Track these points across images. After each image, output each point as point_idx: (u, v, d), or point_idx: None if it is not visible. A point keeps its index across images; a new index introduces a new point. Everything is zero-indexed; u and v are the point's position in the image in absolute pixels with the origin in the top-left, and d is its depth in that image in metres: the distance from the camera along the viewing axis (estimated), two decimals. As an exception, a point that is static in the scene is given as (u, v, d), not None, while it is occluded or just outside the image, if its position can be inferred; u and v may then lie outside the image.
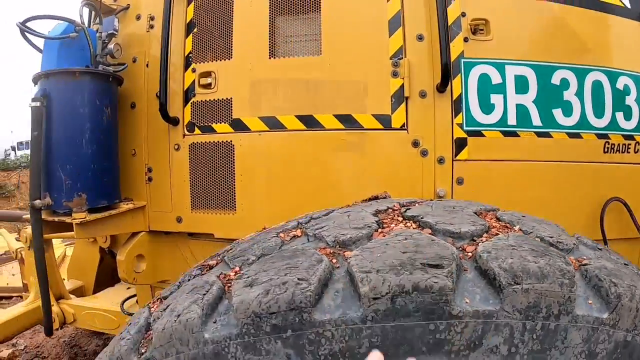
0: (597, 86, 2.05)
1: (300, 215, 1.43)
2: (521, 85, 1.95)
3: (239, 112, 2.03)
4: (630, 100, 2.12)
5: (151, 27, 2.29)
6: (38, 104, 2.03)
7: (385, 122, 1.90)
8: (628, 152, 2.12)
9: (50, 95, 2.07)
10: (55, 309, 2.93)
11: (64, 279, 3.05)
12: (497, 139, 1.92)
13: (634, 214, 2.08)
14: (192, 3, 2.21)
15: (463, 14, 1.96)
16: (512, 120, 1.93)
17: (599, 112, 2.05)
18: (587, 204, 2.05)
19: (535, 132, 1.96)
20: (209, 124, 2.09)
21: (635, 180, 2.15)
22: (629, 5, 2.22)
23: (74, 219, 2.04)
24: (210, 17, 2.17)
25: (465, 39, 1.94)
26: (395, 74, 1.90)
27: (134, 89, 2.31)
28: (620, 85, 2.10)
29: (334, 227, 1.19)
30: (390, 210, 1.28)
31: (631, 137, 2.12)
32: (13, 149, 24.88)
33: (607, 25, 2.16)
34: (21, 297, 5.02)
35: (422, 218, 1.19)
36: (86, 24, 2.40)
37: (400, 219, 1.21)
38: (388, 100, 1.90)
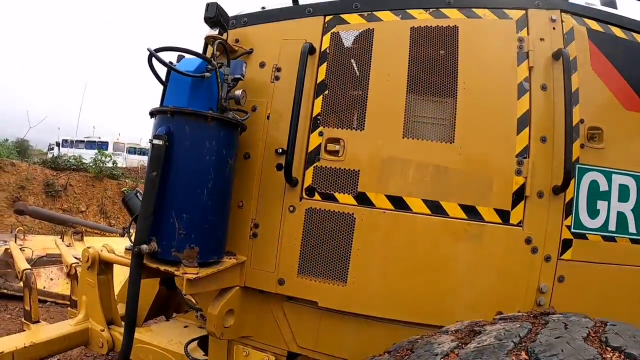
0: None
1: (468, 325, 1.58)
2: (623, 193, 2.21)
3: (365, 186, 2.16)
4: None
5: (276, 78, 2.33)
6: (161, 142, 2.00)
7: (504, 217, 2.11)
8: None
9: (175, 135, 2.03)
10: (105, 334, 2.95)
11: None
12: (598, 243, 2.19)
13: None
14: (325, 63, 2.27)
15: (582, 121, 2.19)
16: (612, 226, 2.20)
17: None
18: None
19: (630, 239, 2.24)
20: (332, 192, 2.19)
21: None
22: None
23: (185, 273, 2.04)
24: (344, 81, 2.25)
25: (582, 145, 2.17)
26: (518, 172, 2.10)
27: (250, 138, 2.36)
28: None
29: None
30: (592, 335, 1.41)
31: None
32: (58, 144, 25.31)
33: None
34: (56, 303, 4.97)
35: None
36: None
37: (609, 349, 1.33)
38: (510, 196, 2.11)
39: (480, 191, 2.11)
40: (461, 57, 2.18)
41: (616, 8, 2.98)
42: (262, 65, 2.36)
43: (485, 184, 2.12)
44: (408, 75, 2.17)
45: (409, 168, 2.13)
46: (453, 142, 2.12)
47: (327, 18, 2.32)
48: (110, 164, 15.04)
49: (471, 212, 2.11)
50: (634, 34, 2.44)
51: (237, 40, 2.43)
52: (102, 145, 23.35)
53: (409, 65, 2.18)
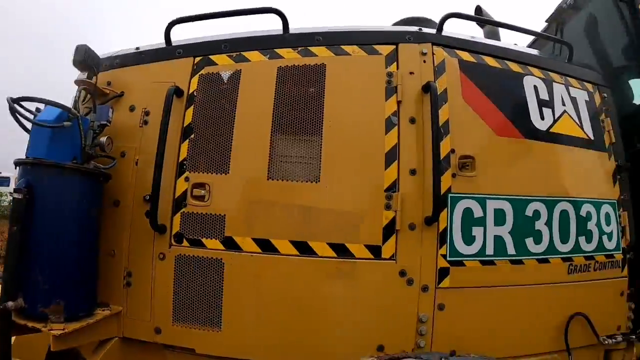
0: (564, 215, 2.51)
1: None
2: (499, 218, 2.33)
3: (232, 231, 2.24)
4: (591, 225, 2.61)
5: (145, 122, 2.43)
6: (20, 196, 2.06)
7: (376, 252, 2.21)
8: (588, 271, 2.60)
9: (35, 188, 2.09)
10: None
11: None
12: (476, 269, 2.30)
13: (593, 325, 2.56)
14: (192, 107, 2.36)
15: (452, 151, 2.32)
16: (489, 250, 2.32)
17: (564, 238, 2.51)
18: (554, 320, 2.51)
19: (509, 260, 2.35)
20: (199, 237, 2.27)
21: (595, 293, 2.65)
22: (592, 137, 2.68)
23: (52, 329, 2.08)
24: (209, 125, 2.35)
25: (454, 175, 2.30)
26: (388, 207, 2.21)
27: (119, 185, 2.44)
28: (583, 212, 2.58)
29: None
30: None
31: (591, 258, 2.61)
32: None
33: (575, 157, 2.64)
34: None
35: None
36: (79, 108, 2.44)
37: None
38: (380, 231, 2.21)
39: (349, 228, 2.21)
40: (327, 95, 2.31)
41: (499, 39, 3.15)
42: (132, 109, 2.46)
43: (353, 221, 2.22)
44: (273, 116, 2.28)
45: (275, 210, 2.22)
46: (319, 181, 2.23)
47: (197, 59, 2.44)
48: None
49: (341, 250, 2.21)
50: (508, 62, 2.60)
51: (109, 83, 2.53)
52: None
53: (274, 106, 2.29)
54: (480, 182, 2.35)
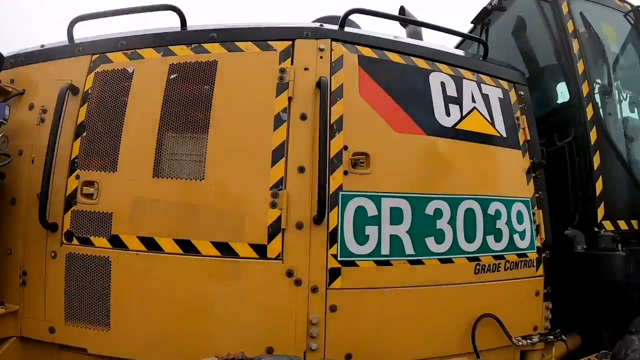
0: (470, 213, 2.45)
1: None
2: (396, 216, 2.29)
3: (118, 229, 2.23)
4: (500, 223, 2.55)
5: (42, 120, 2.44)
6: None
7: (261, 251, 2.17)
8: (498, 271, 2.54)
9: None
10: None
11: None
12: (370, 269, 2.25)
13: (504, 326, 2.49)
14: (86, 104, 2.37)
15: (345, 147, 2.29)
16: (385, 250, 2.27)
17: (470, 238, 2.45)
18: (461, 321, 2.44)
19: (408, 260, 2.30)
20: (88, 236, 2.27)
21: (506, 293, 2.59)
22: (504, 134, 2.64)
23: None
24: (101, 123, 2.36)
25: (345, 172, 2.26)
26: (273, 205, 2.18)
27: (15, 183, 2.44)
28: (491, 210, 2.52)
29: None
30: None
31: (501, 257, 2.55)
32: None
33: (484, 155, 2.60)
34: None
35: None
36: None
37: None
38: (265, 230, 2.18)
39: (233, 227, 2.18)
40: (217, 92, 2.30)
41: (421, 39, 3.14)
42: (30, 107, 2.47)
43: (237, 220, 2.19)
44: (162, 113, 2.28)
45: (159, 208, 2.21)
46: (203, 179, 2.21)
47: (94, 57, 2.45)
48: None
49: (225, 249, 2.17)
50: (414, 59, 2.58)
51: (12, 81, 2.55)
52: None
53: (163, 103, 2.29)
54: (375, 180, 2.30)
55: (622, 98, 3.31)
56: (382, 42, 2.53)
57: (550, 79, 3.34)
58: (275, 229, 2.18)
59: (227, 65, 2.33)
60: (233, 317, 2.17)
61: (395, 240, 2.29)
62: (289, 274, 2.18)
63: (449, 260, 2.40)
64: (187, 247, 2.17)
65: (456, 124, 2.53)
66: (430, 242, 2.35)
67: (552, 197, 2.95)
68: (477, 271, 2.47)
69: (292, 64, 2.36)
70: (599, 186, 2.95)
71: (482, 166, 2.57)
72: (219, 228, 2.18)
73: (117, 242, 2.22)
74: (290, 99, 2.29)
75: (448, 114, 2.53)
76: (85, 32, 2.58)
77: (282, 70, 2.34)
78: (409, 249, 2.31)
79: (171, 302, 2.19)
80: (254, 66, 2.35)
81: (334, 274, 2.21)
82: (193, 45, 2.38)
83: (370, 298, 2.27)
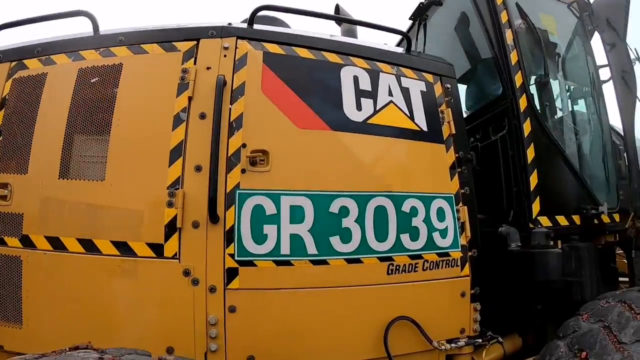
0: (381, 211, 2.39)
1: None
2: (296, 215, 2.27)
3: (29, 229, 2.33)
4: (417, 221, 2.47)
5: None
6: None
7: (158, 251, 2.21)
8: (415, 271, 2.45)
9: None
10: None
11: None
12: (269, 269, 2.25)
13: (423, 329, 2.43)
14: (3, 110, 2.50)
15: (244, 145, 2.29)
16: (285, 250, 2.26)
17: (381, 236, 2.39)
18: (374, 325, 2.39)
19: (310, 261, 2.28)
20: (2, 236, 2.37)
21: (426, 295, 2.51)
22: (425, 128, 2.55)
23: None
24: (15, 127, 2.47)
25: (243, 170, 2.26)
26: (170, 204, 2.21)
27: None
28: (406, 208, 2.45)
29: None
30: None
31: (419, 257, 2.46)
32: None
33: (399, 150, 2.52)
34: None
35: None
36: None
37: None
38: (162, 229, 2.21)
39: (132, 226, 2.23)
40: (120, 94, 2.36)
41: (356, 37, 3.08)
42: None
43: (136, 219, 2.24)
44: (69, 116, 2.35)
45: (64, 208, 2.28)
46: (104, 179, 2.27)
47: (12, 64, 2.56)
48: None
49: (123, 248, 2.22)
50: (325, 54, 2.54)
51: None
52: None
53: (70, 107, 2.37)
54: (274, 178, 2.28)
55: (566, 89, 3.15)
56: (290, 38, 2.51)
57: (488, 73, 3.20)
58: (171, 229, 2.21)
59: (131, 68, 2.39)
60: (134, 316, 2.22)
61: (295, 239, 2.27)
62: (186, 273, 2.20)
63: (357, 261, 2.35)
64: (89, 246, 2.23)
65: (368, 119, 2.47)
66: (335, 241, 2.31)
67: (488, 194, 2.84)
68: (390, 271, 2.41)
69: (195, 63, 2.38)
70: (533, 180, 2.80)
71: (397, 162, 2.50)
72: (119, 227, 2.24)
73: (27, 242, 2.31)
74: (190, 98, 2.31)
75: (359, 108, 2.47)
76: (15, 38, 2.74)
77: (184, 71, 2.36)
78: (311, 248, 2.28)
79: (77, 300, 2.25)
80: (158, 68, 2.40)
81: (231, 273, 2.22)
82: (102, 49, 2.45)
83: (270, 299, 2.26)
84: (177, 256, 2.22)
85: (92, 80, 2.45)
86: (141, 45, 2.44)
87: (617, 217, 3.36)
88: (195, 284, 2.21)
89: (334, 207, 2.32)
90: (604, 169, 3.44)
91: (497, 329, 2.74)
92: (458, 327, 2.56)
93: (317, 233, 2.29)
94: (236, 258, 2.23)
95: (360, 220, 2.35)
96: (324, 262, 2.30)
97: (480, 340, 2.60)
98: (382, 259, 2.39)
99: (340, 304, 2.34)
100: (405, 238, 2.43)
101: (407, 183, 2.47)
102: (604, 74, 3.38)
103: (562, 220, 2.92)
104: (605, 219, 3.24)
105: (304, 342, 2.30)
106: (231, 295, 2.22)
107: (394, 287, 2.41)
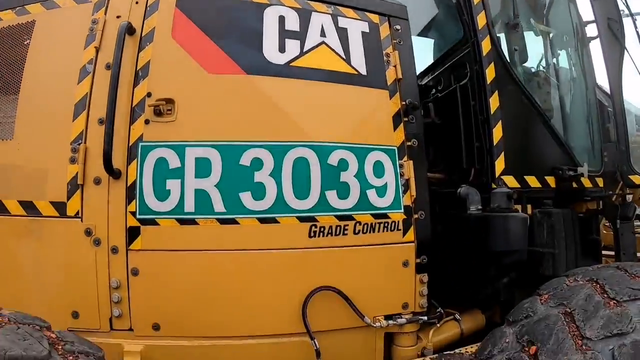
0: (301, 164, 2.12)
1: None
2: (202, 168, 2.08)
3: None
4: (347, 176, 2.16)
5: None
6: None
7: (61, 209, 2.13)
8: (344, 234, 2.15)
9: None
10: None
11: None
12: (172, 228, 2.07)
13: (352, 302, 2.12)
14: None
15: (149, 94, 2.14)
16: (189, 207, 2.07)
17: (301, 193, 2.12)
18: (294, 295, 2.12)
19: (217, 219, 2.07)
20: None
21: (358, 263, 2.19)
22: (363, 72, 2.24)
23: None
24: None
25: (147, 121, 2.12)
26: (73, 160, 2.13)
27: None
28: (333, 160, 2.15)
29: None
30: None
31: (348, 218, 2.15)
32: None
33: (328, 95, 2.24)
34: None
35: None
36: None
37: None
38: (65, 187, 2.13)
39: (37, 185, 2.16)
40: (31, 51, 2.30)
41: None
42: None
43: (41, 178, 2.17)
44: (-14, 78, 2.37)
45: (-23, 169, 2.28)
46: (12, 138, 2.23)
47: None
48: None
49: (30, 207, 2.15)
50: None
51: None
52: None
53: (-13, 68, 2.38)
54: (180, 128, 2.09)
55: (544, 38, 2.65)
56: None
57: (451, 17, 2.78)
58: (74, 186, 2.11)
59: (43, 24, 2.32)
60: (40, 278, 2.15)
61: (201, 195, 2.07)
62: (88, 232, 2.09)
63: (273, 220, 2.09)
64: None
65: (292, 61, 2.20)
66: (246, 198, 2.07)
67: (449, 151, 2.44)
68: (312, 234, 2.11)
69: (105, 13, 2.28)
70: (497, 133, 2.38)
71: (323, 108, 2.20)
72: (26, 187, 2.17)
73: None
74: (96, 49, 2.20)
75: (282, 50, 2.21)
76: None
77: (94, 22, 2.26)
78: (218, 205, 2.07)
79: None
80: (68, 21, 2.31)
81: (133, 233, 2.07)
82: (17, 9, 2.43)
83: (174, 262, 2.08)
84: (80, 215, 2.11)
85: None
86: (55, 0, 2.41)
87: (600, 181, 2.89)
88: (97, 244, 2.09)
89: (245, 159, 2.09)
90: (588, 129, 3.02)
91: (456, 305, 2.36)
92: (400, 301, 2.21)
93: (225, 188, 2.07)
94: (138, 216, 2.07)
95: (276, 174, 2.09)
96: (233, 222, 2.07)
97: (426, 318, 2.23)
98: (302, 219, 2.11)
99: (253, 270, 2.10)
100: (331, 195, 2.13)
101: (335, 133, 2.17)
102: (591, 31, 2.88)
103: (532, 181, 2.48)
104: (587, 183, 2.77)
105: (213, 311, 2.10)
106: (134, 256, 2.08)
107: (318, 253, 2.12)
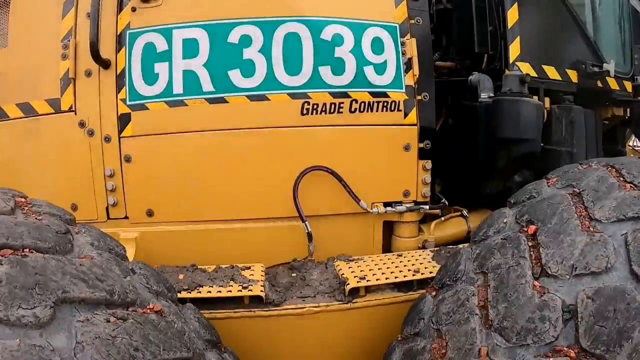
0: (292, 39, 2.05)
1: None
2: (190, 49, 2.05)
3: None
4: (342, 51, 2.06)
5: None
6: None
7: (55, 105, 2.15)
8: (340, 113, 2.05)
9: None
10: None
11: None
12: (162, 111, 2.05)
13: (347, 184, 2.01)
14: None
15: (115, -18, 2.14)
16: (178, 88, 2.04)
17: (293, 69, 2.04)
18: (286, 177, 2.04)
19: (206, 99, 2.03)
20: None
21: (354, 143, 2.09)
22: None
23: None
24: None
25: (133, 9, 2.12)
26: (64, 57, 2.15)
27: None
28: (327, 35, 2.06)
29: None
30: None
31: (344, 95, 2.05)
32: None
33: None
34: None
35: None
36: None
37: None
38: (58, 83, 2.15)
39: (33, 86, 2.20)
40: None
41: None
42: None
43: (36, 78, 2.20)
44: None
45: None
46: (7, 46, 2.28)
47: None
48: None
49: (27, 109, 2.20)
50: None
51: None
52: None
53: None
54: (167, 12, 2.06)
55: None
56: None
57: None
58: (66, 81, 2.12)
59: None
60: (40, 176, 2.16)
61: (189, 76, 2.02)
62: (82, 124, 2.10)
63: (263, 97, 2.01)
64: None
65: None
66: (234, 75, 2.01)
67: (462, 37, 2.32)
68: (305, 112, 2.02)
69: None
70: (512, 15, 2.22)
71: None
72: (22, 90, 2.21)
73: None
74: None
75: None
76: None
77: None
78: (206, 85, 2.01)
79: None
80: None
81: (124, 120, 2.06)
82: None
83: (165, 145, 2.06)
84: (73, 108, 2.12)
85: None
86: None
87: (628, 85, 2.66)
88: (90, 134, 2.09)
89: (233, 37, 2.03)
90: (618, 28, 2.81)
91: (465, 206, 2.20)
92: (400, 188, 2.09)
93: (214, 67, 2.02)
94: (128, 103, 2.06)
95: (265, 50, 2.02)
96: (222, 100, 2.02)
97: (428, 207, 2.09)
98: (294, 96, 2.02)
99: (243, 151, 2.04)
100: (325, 71, 2.03)
101: (328, 7, 2.07)
102: None
103: (551, 72, 2.30)
104: (613, 84, 2.57)
105: (205, 195, 2.06)
106: (126, 143, 2.07)
107: (311, 131, 2.03)
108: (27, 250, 1.11)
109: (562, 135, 2.39)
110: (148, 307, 1.14)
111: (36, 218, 1.31)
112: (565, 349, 1.10)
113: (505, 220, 1.52)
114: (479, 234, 1.54)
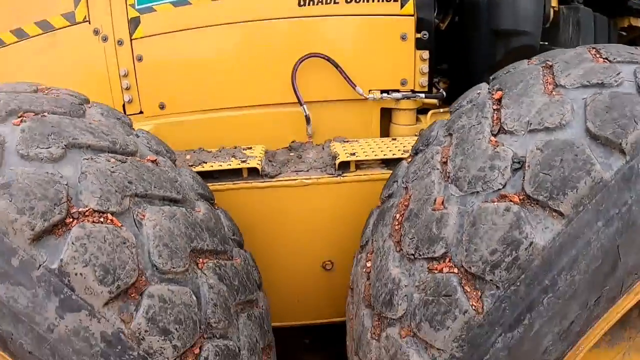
0: None
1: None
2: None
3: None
4: None
5: None
6: None
7: (71, 18, 2.34)
8: (336, 3, 2.12)
9: None
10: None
11: None
12: (168, 11, 2.21)
13: (343, 70, 2.13)
14: None
15: None
16: (183, -11, 2.16)
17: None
18: (285, 65, 2.18)
19: (208, -5, 2.15)
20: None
21: (351, 33, 2.19)
22: None
23: None
24: None
25: None
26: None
27: None
28: None
29: None
30: None
31: (340, -17, 2.09)
32: None
33: None
34: None
35: None
36: None
37: None
38: (68, -4, 2.32)
39: (48, 3, 2.38)
40: None
41: None
42: None
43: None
44: None
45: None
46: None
47: None
48: None
49: (45, 25, 2.39)
50: None
51: None
52: None
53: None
54: None
55: None
56: None
57: None
58: (77, -5, 2.31)
59: None
60: (60, 85, 2.41)
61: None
62: (96, 32, 2.30)
63: (260, -12, 2.10)
64: (20, 34, 2.45)
65: None
66: (232, -33, 2.10)
67: None
68: (302, 3, 2.09)
69: None
70: None
71: None
72: (39, 8, 2.39)
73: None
74: None
75: None
76: None
77: None
78: (206, -20, 2.13)
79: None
80: None
81: (134, 23, 2.25)
82: None
83: (173, 43, 2.25)
84: (87, 19, 2.32)
85: None
86: None
87: None
88: (104, 40, 2.30)
89: None
90: None
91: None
92: (398, 77, 2.17)
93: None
94: (137, 7, 2.23)
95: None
96: (221, -7, 2.13)
97: (424, 95, 2.15)
98: (290, -14, 2.08)
99: (244, 42, 2.21)
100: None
101: None
102: None
103: None
104: None
105: (210, 84, 2.26)
106: (137, 44, 2.27)
107: (308, 22, 2.13)
108: (47, 113, 1.35)
109: (569, 36, 2.32)
110: (146, 158, 1.36)
111: (55, 96, 1.54)
112: (510, 194, 1.16)
113: (479, 92, 1.55)
114: (455, 105, 1.60)
